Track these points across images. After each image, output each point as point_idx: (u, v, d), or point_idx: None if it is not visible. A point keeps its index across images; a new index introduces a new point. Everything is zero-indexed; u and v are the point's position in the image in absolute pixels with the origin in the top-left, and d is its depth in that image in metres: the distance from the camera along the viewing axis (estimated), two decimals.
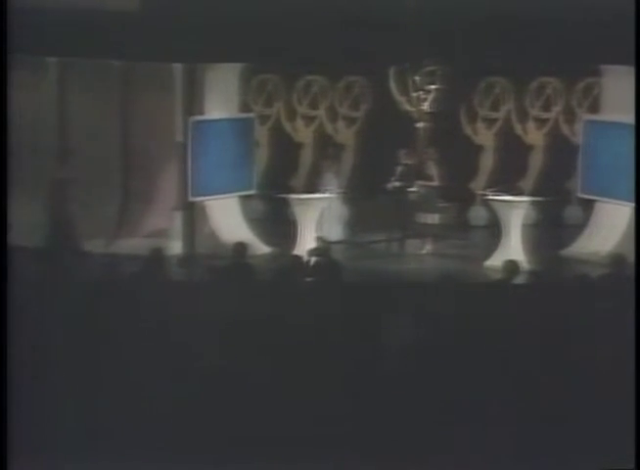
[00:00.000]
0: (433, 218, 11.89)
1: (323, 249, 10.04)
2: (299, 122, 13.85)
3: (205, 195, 11.28)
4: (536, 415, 6.41)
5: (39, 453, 5.79)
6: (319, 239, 10.93)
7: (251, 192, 12.07)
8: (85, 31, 10.35)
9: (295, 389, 6.63)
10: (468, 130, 13.62)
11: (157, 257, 8.12)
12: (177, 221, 11.26)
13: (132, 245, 10.34)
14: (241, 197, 11.91)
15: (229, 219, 11.61)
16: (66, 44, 10.58)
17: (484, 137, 13.60)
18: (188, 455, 6.10)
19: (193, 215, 11.21)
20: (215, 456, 6.14)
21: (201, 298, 7.13)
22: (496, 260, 9.48)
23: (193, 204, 11.22)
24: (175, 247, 10.87)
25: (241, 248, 8.52)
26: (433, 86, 12.36)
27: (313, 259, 9.06)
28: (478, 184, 13.47)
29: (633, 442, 5.64)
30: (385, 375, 6.72)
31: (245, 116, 11.99)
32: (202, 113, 11.28)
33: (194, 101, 11.19)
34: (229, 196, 11.63)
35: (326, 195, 11.50)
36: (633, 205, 10.28)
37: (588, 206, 12.08)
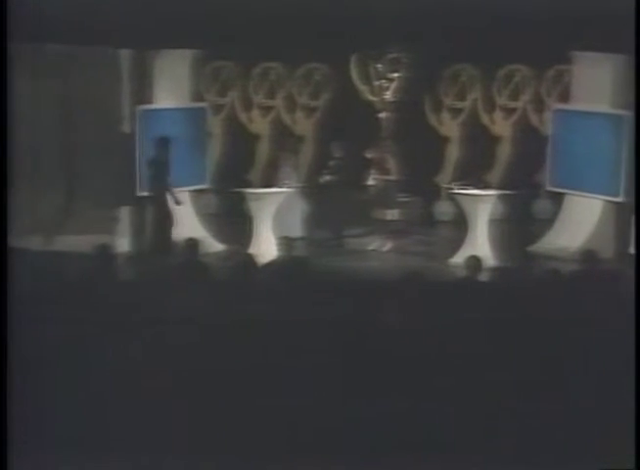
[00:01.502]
0: (395, 214, 11.92)
1: (280, 246, 10.00)
2: (255, 112, 13.79)
3: (154, 189, 11.06)
4: (514, 421, 6.45)
5: (39, 453, 5.95)
6: (276, 236, 10.89)
7: (204, 186, 12.03)
8: (26, 15, 10.20)
9: (251, 393, 6.64)
10: (432, 120, 13.66)
11: (103, 254, 8.03)
12: (125, 216, 11.14)
13: (77, 242, 10.23)
14: (193, 191, 11.84)
15: (180, 215, 11.49)
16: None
17: (450, 128, 13.65)
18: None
19: (142, 211, 11.14)
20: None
21: (149, 297, 7.07)
22: (462, 257, 9.51)
23: (141, 198, 11.15)
24: (123, 244, 10.78)
25: (193, 245, 8.47)
26: (396, 74, 12.35)
27: (270, 257, 9.01)
28: (443, 177, 13.53)
29: (633, 443, 5.73)
30: (344, 377, 6.72)
31: (197, 105, 11.92)
32: (150, 102, 11.22)
33: (142, 89, 11.12)
34: (180, 190, 11.48)
35: (284, 189, 11.46)
36: (633, 202, 10.24)
37: (557, 199, 12.17)
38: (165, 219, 11.12)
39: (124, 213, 11.17)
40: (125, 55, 11.08)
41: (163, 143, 11.11)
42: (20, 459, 5.72)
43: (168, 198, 11.02)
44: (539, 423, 6.30)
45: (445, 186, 12.81)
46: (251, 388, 6.57)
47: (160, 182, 11.15)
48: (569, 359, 6.68)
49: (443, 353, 6.75)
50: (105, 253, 8.09)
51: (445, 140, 13.64)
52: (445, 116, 13.64)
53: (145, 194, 11.12)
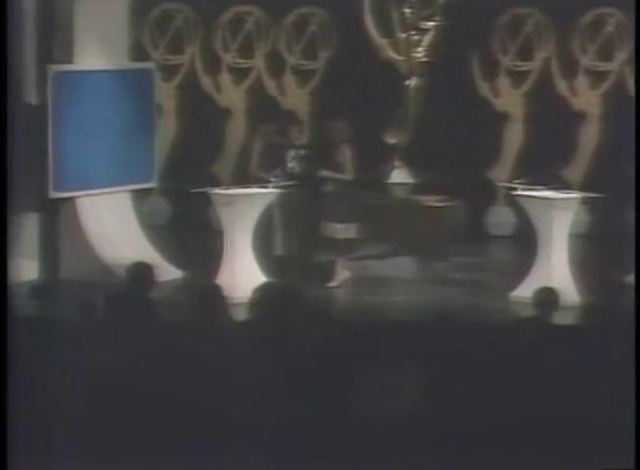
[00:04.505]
0: (429, 225, 11.91)
1: (263, 272, 9.92)
2: (225, 77, 13.85)
3: (75, 189, 11.26)
4: None
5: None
6: (257, 257, 10.85)
7: (151, 185, 12.03)
8: None
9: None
10: (484, 89, 13.67)
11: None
12: (31, 229, 11.06)
13: None
14: (134, 192, 11.87)
15: (115, 227, 11.56)
16: None
17: (510, 100, 13.66)
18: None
19: (57, 220, 11.14)
20: None
21: (70, 347, 7.03)
22: (529, 290, 9.49)
23: (56, 202, 11.14)
24: (29, 269, 10.77)
25: (135, 271, 8.44)
26: (430, 23, 12.40)
27: (248, 289, 8.95)
28: (500, 172, 13.52)
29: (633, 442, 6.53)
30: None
31: (139, 66, 11.97)
32: (69, 60, 11.21)
33: (57, 42, 11.08)
34: (115, 190, 11.56)
35: (267, 190, 11.45)
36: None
37: None
38: (93, 232, 11.10)
39: (31, 224, 11.14)
40: None
41: (89, 121, 11.10)
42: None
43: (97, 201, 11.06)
44: None
45: (504, 185, 12.78)
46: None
47: (85, 179, 11.12)
48: None
49: (504, 440, 6.68)
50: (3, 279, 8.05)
51: (504, 118, 13.67)
52: (503, 82, 13.67)
53: (61, 196, 11.10)
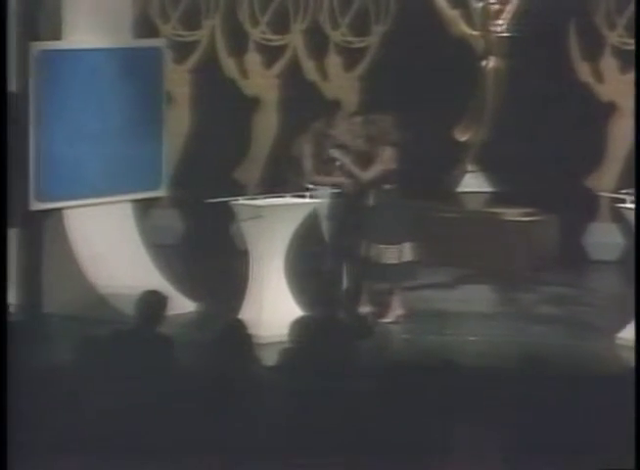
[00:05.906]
0: (514, 244, 11.94)
1: (299, 303, 10.01)
2: (253, 58, 13.93)
3: (63, 199, 11.43)
4: None
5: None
6: (291, 284, 10.93)
7: (158, 193, 12.24)
8: None
9: None
10: (584, 73, 13.64)
11: None
12: (7, 248, 11.25)
13: None
14: (137, 203, 12.05)
15: (113, 247, 11.68)
16: None
17: (617, 86, 13.61)
18: None
19: (39, 237, 11.29)
20: None
21: (65, 388, 7.18)
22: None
23: (39, 215, 11.31)
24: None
25: (138, 304, 8.54)
26: None
27: (278, 325, 9.06)
28: (603, 179, 13.51)
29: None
30: None
31: (145, 44, 12.14)
32: (58, 36, 11.40)
33: (43, 15, 11.27)
34: (113, 201, 11.71)
35: (303, 200, 11.51)
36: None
37: None
38: (85, 254, 11.22)
39: (9, 241, 11.28)
40: None
41: (82, 112, 11.22)
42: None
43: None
44: None
45: (608, 196, 12.79)
46: None
47: (75, 186, 11.22)
48: None
49: None
50: None
51: (609, 109, 13.63)
52: (609, 64, 13.65)
53: (45, 207, 11.31)
